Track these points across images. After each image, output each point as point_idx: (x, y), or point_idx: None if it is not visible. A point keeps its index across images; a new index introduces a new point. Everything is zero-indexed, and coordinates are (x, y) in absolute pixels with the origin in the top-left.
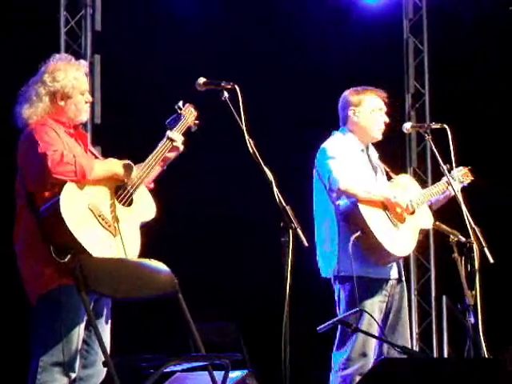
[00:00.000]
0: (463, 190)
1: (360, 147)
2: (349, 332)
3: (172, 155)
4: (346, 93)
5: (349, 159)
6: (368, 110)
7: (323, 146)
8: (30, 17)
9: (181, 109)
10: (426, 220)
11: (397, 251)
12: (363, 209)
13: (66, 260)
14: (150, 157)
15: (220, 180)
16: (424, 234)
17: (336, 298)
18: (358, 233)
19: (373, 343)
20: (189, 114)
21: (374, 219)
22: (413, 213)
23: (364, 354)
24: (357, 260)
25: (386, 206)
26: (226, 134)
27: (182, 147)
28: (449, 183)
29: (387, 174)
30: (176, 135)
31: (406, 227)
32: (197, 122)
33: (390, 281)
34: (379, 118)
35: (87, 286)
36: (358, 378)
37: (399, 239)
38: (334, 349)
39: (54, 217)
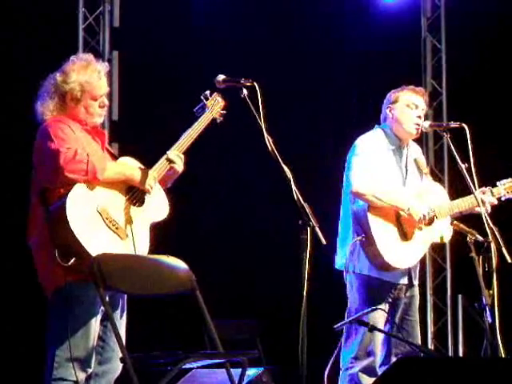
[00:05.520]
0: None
1: (392, 146)
2: (353, 331)
3: (173, 174)
4: (389, 92)
5: (374, 158)
6: (402, 105)
7: (356, 141)
8: (49, 13)
9: (207, 98)
10: (440, 233)
11: (396, 262)
12: (371, 216)
13: (70, 264)
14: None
15: (239, 179)
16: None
17: (347, 291)
18: (360, 237)
19: (380, 342)
20: (215, 105)
21: (379, 228)
22: (430, 223)
23: (370, 353)
24: (364, 261)
25: (399, 215)
26: (246, 131)
27: (180, 169)
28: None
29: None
30: (175, 156)
31: (416, 239)
32: (223, 112)
33: (397, 285)
34: (412, 113)
35: (105, 282)
36: (364, 376)
37: (404, 251)
38: (343, 347)
39: (59, 219)
